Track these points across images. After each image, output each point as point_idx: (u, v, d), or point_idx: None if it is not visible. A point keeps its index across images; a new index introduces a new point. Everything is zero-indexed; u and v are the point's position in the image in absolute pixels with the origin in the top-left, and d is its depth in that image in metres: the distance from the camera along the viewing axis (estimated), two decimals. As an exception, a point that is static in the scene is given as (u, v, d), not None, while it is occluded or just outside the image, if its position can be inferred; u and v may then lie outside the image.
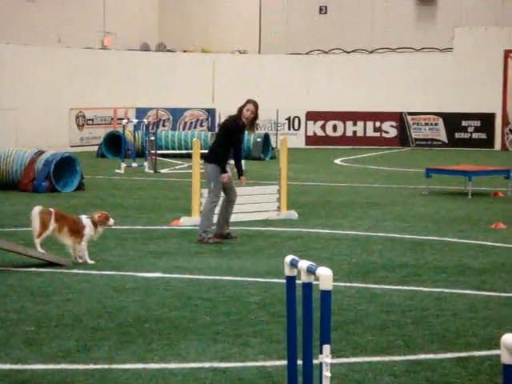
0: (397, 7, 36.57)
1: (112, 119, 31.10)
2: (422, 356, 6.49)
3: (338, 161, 26.85)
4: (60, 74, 29.91)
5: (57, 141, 28.37)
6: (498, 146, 32.97)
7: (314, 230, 12.64)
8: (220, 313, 7.75)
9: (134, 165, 23.07)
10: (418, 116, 33.56)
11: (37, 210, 10.12)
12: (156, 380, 5.95)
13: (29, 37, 30.27)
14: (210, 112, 33.49)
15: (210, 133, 28.30)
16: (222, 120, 11.77)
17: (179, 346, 6.73)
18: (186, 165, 22.63)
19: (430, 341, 6.89)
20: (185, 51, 35.69)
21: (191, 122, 33.56)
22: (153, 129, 24.95)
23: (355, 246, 11.30)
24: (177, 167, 23.10)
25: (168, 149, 26.41)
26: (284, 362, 5.45)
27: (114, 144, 26.59)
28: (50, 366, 6.22)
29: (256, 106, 11.79)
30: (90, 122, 30.89)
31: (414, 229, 12.83)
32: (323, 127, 34.13)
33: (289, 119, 33.96)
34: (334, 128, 34.13)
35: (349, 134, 34.04)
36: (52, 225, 9.97)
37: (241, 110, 11.77)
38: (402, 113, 33.61)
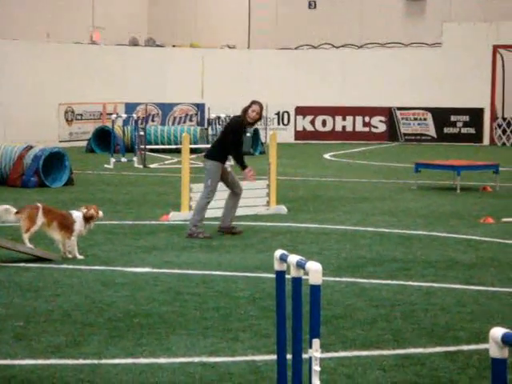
0: (386, 2, 36.60)
1: (101, 114, 31.05)
2: (411, 350, 6.51)
3: (327, 156, 26.88)
4: (49, 68, 29.83)
5: (46, 136, 28.30)
6: (486, 140, 33.06)
7: (303, 225, 12.66)
8: (209, 308, 7.76)
9: (124, 160, 23.04)
10: (407, 111, 33.61)
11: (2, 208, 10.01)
12: (145, 375, 5.95)
13: (17, 32, 30.18)
14: (200, 107, 33.46)
15: (199, 128, 28.30)
16: (228, 120, 11.93)
17: (168, 340, 6.74)
18: (175, 160, 22.62)
19: (419, 335, 6.92)
20: (174, 46, 35.64)
21: (180, 117, 33.53)
22: (142, 124, 24.92)
23: (344, 241, 11.32)
24: (166, 162, 23.09)
25: (157, 144, 26.38)
26: (273, 357, 5.46)
27: (103, 139, 26.55)
28: (39, 362, 6.22)
29: (261, 107, 12.06)
30: (78, 117, 30.82)
31: (403, 223, 12.86)
32: (312, 122, 34.15)
33: (278, 114, 33.97)
34: (324, 123, 34.15)
35: (338, 128, 34.08)
36: (40, 219, 9.93)
37: (246, 110, 11.93)
38: (390, 108, 33.66)
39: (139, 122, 24.80)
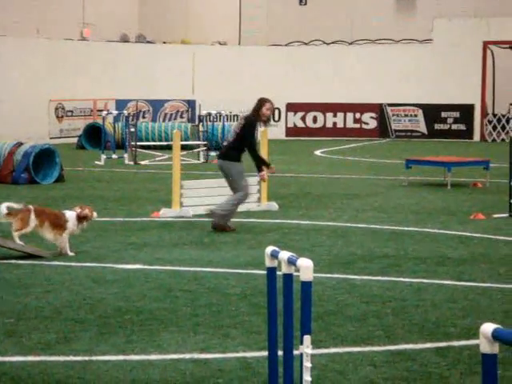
0: (376, -2, 36.61)
1: (92, 111, 30.99)
2: (402, 346, 6.52)
3: (318, 152, 26.89)
4: (39, 65, 29.75)
5: (36, 132, 28.23)
6: (477, 137, 33.13)
7: (294, 222, 12.66)
8: (200, 304, 7.76)
9: (114, 156, 23.01)
10: (398, 107, 33.65)
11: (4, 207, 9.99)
12: (136, 371, 5.95)
13: (7, 28, 30.08)
14: (190, 103, 33.43)
15: (190, 124, 28.27)
16: (242, 121, 12.07)
17: (160, 337, 6.73)
18: (166, 156, 22.60)
19: (410, 331, 6.93)
20: (164, 43, 35.60)
21: (171, 114, 33.49)
22: (133, 120, 24.89)
23: (335, 237, 11.33)
24: (157, 159, 23.06)
25: (148, 140, 26.35)
26: (264, 353, 5.46)
27: (94, 136, 26.50)
28: (30, 358, 6.21)
29: (273, 103, 12.25)
30: (69, 114, 30.76)
31: (394, 220, 12.87)
32: (303, 118, 34.16)
33: (269, 110, 33.91)
34: (314, 119, 34.17)
35: (329, 125, 34.10)
36: (33, 222, 9.92)
37: (258, 109, 12.01)
38: (381, 104, 33.69)
39: (130, 118, 24.77)
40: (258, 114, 12.00)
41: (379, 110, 33.77)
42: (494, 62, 34.04)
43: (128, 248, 10.49)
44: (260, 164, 12.09)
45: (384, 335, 6.80)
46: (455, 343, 6.61)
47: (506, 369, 5.90)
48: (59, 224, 9.93)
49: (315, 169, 21.17)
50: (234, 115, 32.07)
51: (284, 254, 4.68)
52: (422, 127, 33.56)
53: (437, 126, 33.46)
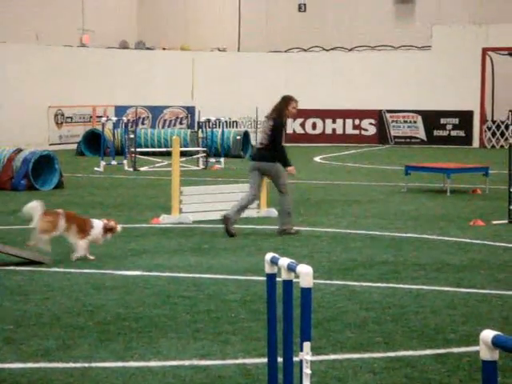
0: (376, 5, 36.69)
1: (91, 117, 31.00)
2: (402, 353, 6.52)
3: (317, 158, 26.90)
4: (38, 71, 29.78)
5: (35, 139, 28.25)
6: (476, 143, 33.15)
7: (293, 228, 12.64)
8: (200, 311, 7.75)
9: (114, 163, 23.02)
10: (397, 114, 33.68)
11: (37, 205, 10.03)
12: (136, 378, 5.94)
13: (7, 34, 30.11)
14: (190, 110, 33.45)
15: (189, 130, 28.28)
16: (271, 122, 12.18)
17: (159, 344, 6.73)
18: (165, 163, 22.60)
19: (410, 337, 6.92)
20: (164, 49, 35.63)
21: (171, 120, 33.51)
22: (132, 127, 24.90)
23: (335, 244, 11.33)
24: (156, 165, 23.07)
25: (147, 147, 26.36)
26: (264, 360, 5.46)
27: (93, 142, 26.52)
28: (29, 365, 6.20)
29: (297, 101, 12.38)
30: (68, 120, 30.77)
31: (394, 226, 12.87)
32: (302, 125, 34.18)
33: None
34: (314, 126, 34.20)
35: (328, 131, 34.13)
36: (62, 226, 10.05)
37: (283, 109, 12.16)
38: (380, 110, 33.72)
39: (129, 124, 24.78)
40: (284, 113, 12.16)
41: (378, 116, 33.79)
42: (493, 68, 34.07)
43: (127, 254, 10.48)
44: (284, 162, 12.22)
45: (383, 342, 6.79)
46: (455, 350, 6.60)
47: (505, 376, 5.89)
48: (84, 229, 10.12)
49: (314, 175, 21.17)
50: (233, 121, 32.10)
51: (284, 261, 4.68)
52: (422, 134, 33.58)
53: (436, 133, 33.48)
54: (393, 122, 33.70)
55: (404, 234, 12.13)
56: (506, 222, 13.22)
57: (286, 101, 12.24)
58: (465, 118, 33.20)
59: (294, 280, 4.61)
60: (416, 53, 34.57)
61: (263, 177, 12.41)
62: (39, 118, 29.40)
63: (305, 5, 36.92)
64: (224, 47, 36.58)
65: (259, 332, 6.94)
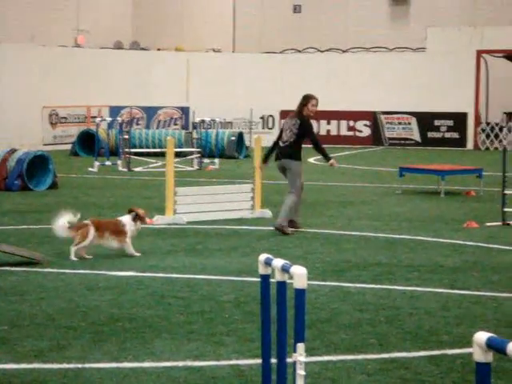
0: (371, 7, 36.72)
1: (86, 117, 30.97)
2: (395, 354, 6.52)
3: (311, 159, 26.90)
4: (33, 71, 29.73)
5: (30, 139, 28.20)
6: (470, 145, 33.19)
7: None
8: (194, 311, 7.75)
9: (108, 163, 23.00)
10: (392, 115, 33.70)
11: (63, 223, 10.13)
12: (129, 379, 5.93)
13: (2, 34, 30.07)
14: (184, 110, 33.44)
15: (184, 131, 28.27)
16: (296, 120, 12.66)
17: (153, 344, 6.72)
18: (159, 163, 22.59)
19: (403, 339, 6.93)
20: (159, 49, 35.62)
21: (165, 121, 33.49)
22: (126, 127, 24.88)
23: (329, 245, 11.34)
24: (151, 166, 23.05)
25: (142, 147, 26.34)
26: (258, 361, 5.46)
27: (88, 142, 26.48)
28: (23, 366, 6.19)
29: (317, 100, 12.87)
30: (63, 121, 30.74)
31: (388, 227, 12.88)
32: (297, 126, 34.16)
33: (263, 118, 33.99)
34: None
35: (323, 132, 34.11)
36: (91, 235, 10.19)
37: (303, 106, 12.64)
38: (375, 112, 33.75)
39: (124, 125, 24.76)
40: (303, 112, 12.58)
41: (373, 117, 33.81)
42: (487, 70, 34.12)
43: (121, 255, 10.47)
44: (326, 155, 12.57)
45: (377, 343, 6.80)
46: (448, 351, 6.61)
47: (499, 378, 5.90)
48: (119, 230, 10.32)
49: (309, 176, 21.12)
50: (227, 122, 32.10)
51: (278, 262, 4.68)
52: (416, 135, 33.61)
53: (430, 135, 33.51)
54: (387, 123, 33.73)
55: (398, 236, 12.14)
56: (499, 223, 13.24)
57: (306, 99, 12.73)
58: (459, 119, 33.24)
59: (288, 281, 4.61)
60: (411, 54, 34.61)
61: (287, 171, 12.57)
62: (34, 118, 29.35)
63: (300, 6, 36.93)
64: (219, 48, 36.58)
65: (253, 333, 6.94)
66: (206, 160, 23.80)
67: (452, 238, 12.00)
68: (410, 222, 13.55)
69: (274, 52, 35.87)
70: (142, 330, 7.14)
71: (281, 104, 33.61)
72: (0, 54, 28.79)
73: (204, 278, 9.21)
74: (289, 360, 4.69)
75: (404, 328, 7.25)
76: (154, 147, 26.41)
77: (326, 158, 12.58)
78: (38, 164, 17.84)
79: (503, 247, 11.31)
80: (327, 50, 35.77)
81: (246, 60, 34.77)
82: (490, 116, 34.11)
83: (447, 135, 33.42)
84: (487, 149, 32.45)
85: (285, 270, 4.58)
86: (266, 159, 13.08)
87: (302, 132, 12.49)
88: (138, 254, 10.39)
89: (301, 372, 4.39)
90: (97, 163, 22.26)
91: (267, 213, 13.94)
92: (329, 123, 34.11)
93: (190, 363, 6.26)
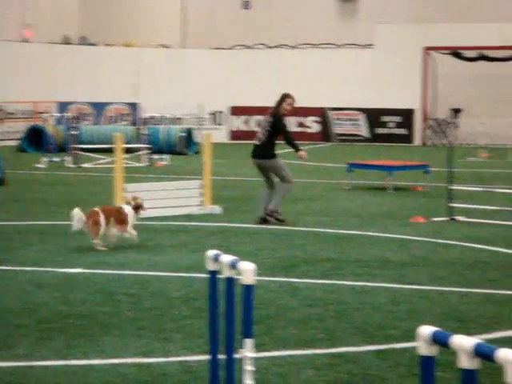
0: (319, 3, 36.87)
1: (33, 113, 30.65)
2: (344, 349, 6.57)
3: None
4: (-21, 66, 29.34)
5: (-24, 135, 27.83)
6: (418, 141, 33.53)
7: (237, 225, 12.67)
8: (143, 308, 7.72)
9: (56, 159, 22.79)
10: (341, 111, 33.90)
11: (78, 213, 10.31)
12: (78, 376, 5.90)
13: None
14: (134, 106, 33.27)
15: (133, 127, 28.13)
16: (270, 118, 12.98)
17: (102, 341, 6.69)
18: (108, 159, 22.45)
19: (352, 334, 6.98)
20: (107, 45, 35.37)
21: (114, 117, 33.28)
22: (75, 123, 24.68)
23: (278, 241, 11.37)
24: (99, 162, 22.89)
25: (90, 143, 26.15)
26: (206, 357, 5.47)
27: (36, 138, 26.22)
28: (-31, 364, 6.12)
29: (294, 99, 13.16)
30: (10, 116, 30.37)
31: (337, 223, 12.96)
32: (247, 122, 34.21)
33: (213, 114, 33.96)
34: (258, 123, 34.23)
35: (272, 129, 34.19)
36: (103, 221, 10.36)
37: (280, 105, 12.92)
38: (324, 108, 33.91)
39: (72, 121, 24.55)
40: (281, 110, 12.82)
41: (322, 113, 33.97)
42: (434, 67, 34.47)
43: (69, 252, 10.39)
44: (296, 148, 12.76)
45: (326, 338, 6.84)
46: (396, 346, 6.68)
47: (445, 371, 5.98)
48: (121, 219, 10.54)
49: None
50: (177, 118, 32.00)
51: (226, 258, 4.69)
52: (364, 131, 33.86)
53: (378, 130, 33.79)
54: (336, 119, 33.91)
55: (347, 231, 12.22)
56: (446, 218, 13.40)
57: (283, 98, 13.01)
58: (407, 116, 33.56)
59: (237, 277, 4.63)
60: (359, 51, 34.83)
61: (265, 170, 12.85)
62: (-20, 113, 28.95)
63: (248, 2, 36.95)
64: (169, 44, 36.45)
65: (201, 329, 6.95)
66: (156, 156, 23.71)
67: (400, 233, 12.12)
68: (358, 217, 13.65)
69: (224, 48, 35.85)
70: (90, 326, 7.10)
71: (231, 100, 33.62)
72: None
73: (154, 274, 9.18)
74: (237, 356, 4.70)
75: (352, 323, 7.31)
76: (103, 143, 26.23)
77: (297, 149, 12.79)
78: (-16, 160, 17.62)
79: (449, 242, 11.45)
80: (276, 47, 35.84)
81: (195, 56, 34.70)
82: (437, 112, 34.49)
83: (395, 131, 33.73)
84: (434, 145, 32.81)
85: (233, 265, 4.59)
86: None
87: (274, 129, 12.73)
88: (135, 233, 10.62)
89: (248, 368, 4.41)
90: (45, 159, 22.05)
91: (217, 209, 13.94)
92: (278, 119, 34.17)
93: (138, 360, 6.25)
